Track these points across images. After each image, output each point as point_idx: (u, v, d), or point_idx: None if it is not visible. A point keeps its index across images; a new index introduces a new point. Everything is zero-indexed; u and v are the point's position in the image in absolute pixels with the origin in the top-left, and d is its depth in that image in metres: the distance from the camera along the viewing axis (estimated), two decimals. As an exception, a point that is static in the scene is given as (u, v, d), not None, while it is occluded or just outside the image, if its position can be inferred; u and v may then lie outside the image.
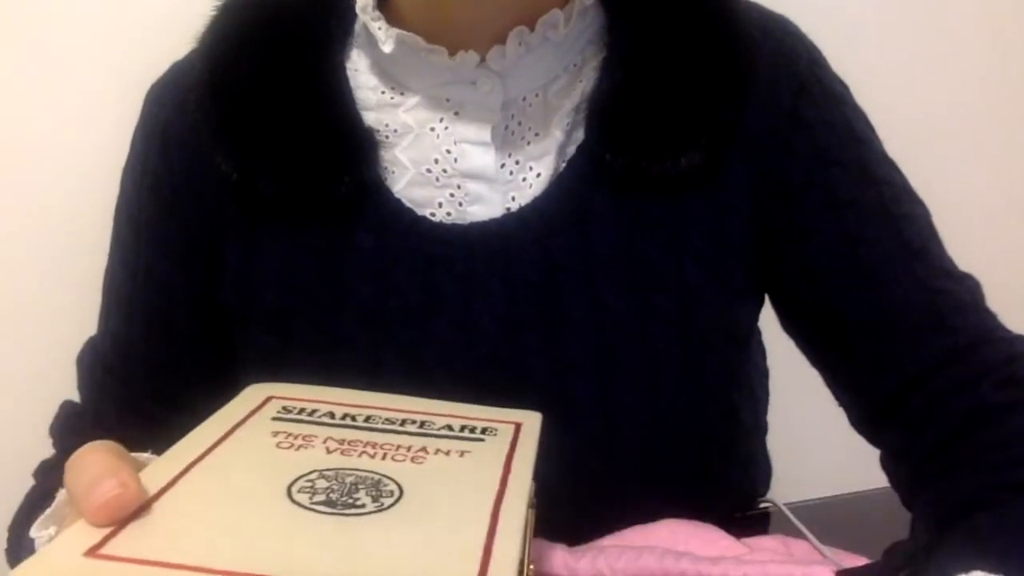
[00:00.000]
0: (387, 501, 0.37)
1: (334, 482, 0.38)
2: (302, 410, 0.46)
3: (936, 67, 0.93)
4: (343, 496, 0.37)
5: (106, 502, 0.34)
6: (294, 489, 0.38)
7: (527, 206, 0.58)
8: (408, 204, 0.59)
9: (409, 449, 0.43)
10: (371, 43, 0.60)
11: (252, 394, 0.48)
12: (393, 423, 0.46)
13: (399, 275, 0.58)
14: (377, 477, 0.39)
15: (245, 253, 0.61)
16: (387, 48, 0.57)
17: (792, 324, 0.63)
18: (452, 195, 0.59)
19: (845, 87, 0.62)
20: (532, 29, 0.57)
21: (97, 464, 0.36)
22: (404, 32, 0.56)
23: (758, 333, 0.67)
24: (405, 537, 0.35)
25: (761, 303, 0.64)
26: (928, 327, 0.56)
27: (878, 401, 0.58)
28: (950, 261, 0.59)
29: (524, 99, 0.59)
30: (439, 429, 0.46)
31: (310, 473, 0.39)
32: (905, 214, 0.58)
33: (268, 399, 0.48)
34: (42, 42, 0.91)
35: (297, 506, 0.36)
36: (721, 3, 0.59)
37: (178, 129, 0.61)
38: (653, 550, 0.50)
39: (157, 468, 0.39)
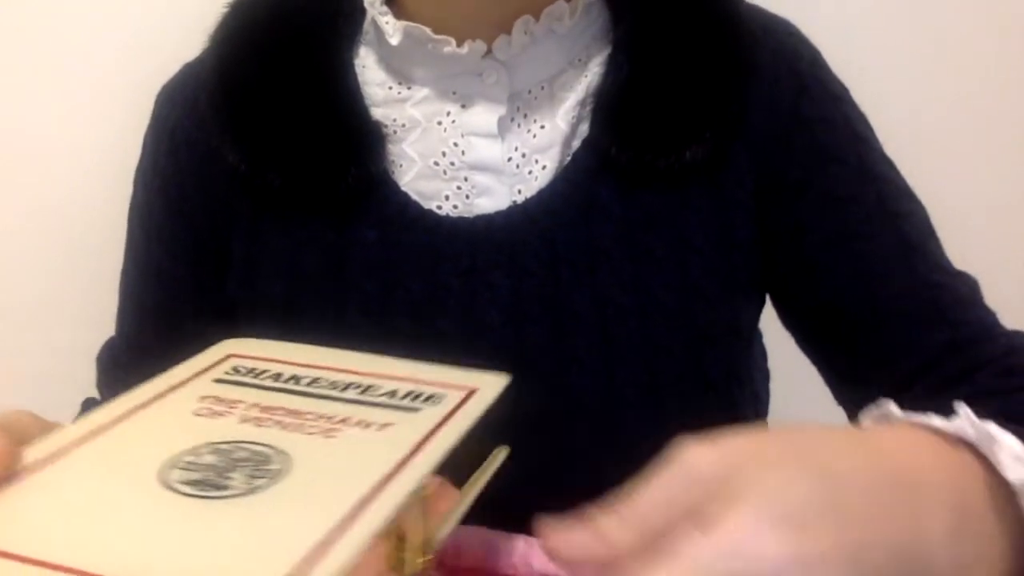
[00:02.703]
0: (259, 483, 0.36)
1: (221, 458, 0.37)
2: (251, 371, 0.46)
3: (935, 67, 0.94)
4: (217, 476, 0.36)
5: None
6: (174, 465, 0.37)
7: (532, 199, 0.59)
8: (415, 197, 0.59)
9: (330, 420, 0.41)
10: (379, 39, 0.61)
11: (218, 350, 0.48)
12: (335, 387, 0.44)
13: (404, 268, 0.59)
14: (269, 453, 0.38)
15: (252, 246, 0.62)
16: (394, 40, 0.58)
17: (792, 320, 0.63)
18: (459, 188, 0.59)
19: (845, 88, 0.63)
20: (537, 20, 0.57)
21: None
22: (410, 24, 0.57)
23: (760, 335, 0.67)
24: (248, 525, 0.33)
25: (763, 300, 0.64)
26: (927, 321, 0.56)
27: (877, 396, 0.58)
28: (947, 259, 0.60)
29: (530, 92, 0.60)
30: (380, 396, 0.43)
31: (203, 446, 0.38)
32: (903, 212, 0.59)
33: (227, 357, 0.47)
34: (54, 43, 0.92)
35: (162, 487, 0.35)
36: (724, 1, 0.60)
37: (187, 129, 0.62)
38: None
39: (65, 432, 0.38)
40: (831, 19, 0.80)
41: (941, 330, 0.56)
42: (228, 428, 0.40)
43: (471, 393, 0.43)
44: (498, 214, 0.59)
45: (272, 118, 0.59)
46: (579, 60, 0.60)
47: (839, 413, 0.62)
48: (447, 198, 0.60)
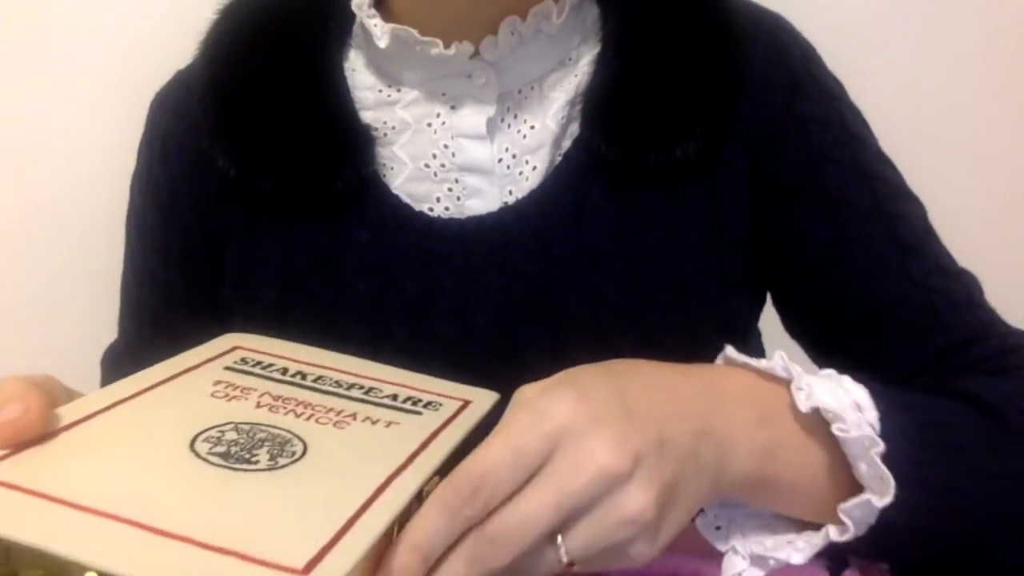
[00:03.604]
0: (283, 460, 0.38)
1: (243, 436, 0.39)
2: (258, 363, 0.47)
3: (934, 63, 0.93)
4: (243, 451, 0.38)
5: (4, 423, 0.35)
6: (201, 438, 0.38)
7: (524, 199, 0.59)
8: (406, 199, 0.59)
9: (339, 413, 0.43)
10: (368, 42, 0.61)
11: (224, 341, 0.49)
12: (340, 385, 0.46)
13: (397, 270, 0.59)
14: (288, 436, 0.40)
15: (244, 250, 0.62)
16: (382, 43, 0.58)
17: (791, 322, 0.63)
18: (450, 189, 0.59)
19: (840, 84, 0.62)
20: (524, 20, 0.57)
21: (6, 390, 0.37)
22: (398, 26, 0.57)
23: (758, 336, 0.67)
24: (274, 500, 0.35)
25: (761, 299, 0.64)
26: (922, 326, 0.56)
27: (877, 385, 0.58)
28: (947, 257, 0.59)
29: (519, 92, 0.60)
30: (382, 397, 0.46)
31: (226, 424, 0.40)
32: (899, 212, 0.58)
33: (234, 348, 0.49)
34: (54, 43, 0.92)
35: (193, 455, 0.37)
36: None
37: (178, 136, 0.63)
38: None
39: (88, 400, 0.40)
40: (828, 13, 0.80)
41: (936, 335, 0.56)
42: (245, 411, 0.42)
43: (466, 404, 0.46)
44: (489, 215, 0.59)
45: (262, 122, 0.59)
46: (568, 59, 0.60)
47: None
48: (438, 200, 0.59)
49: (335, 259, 0.59)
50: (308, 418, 0.42)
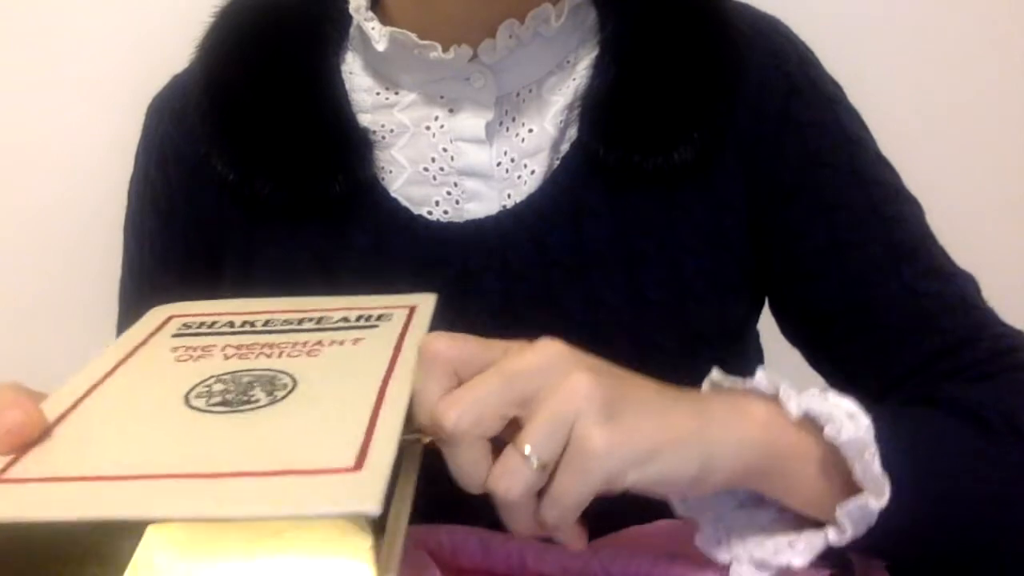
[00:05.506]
0: (280, 394, 0.39)
1: (230, 384, 0.40)
2: (202, 323, 0.48)
3: (933, 64, 0.93)
4: (239, 395, 0.39)
5: (9, 429, 0.36)
6: (192, 395, 0.39)
7: (522, 203, 0.59)
8: (405, 203, 0.59)
9: (305, 344, 0.44)
10: (365, 45, 0.61)
11: (154, 316, 0.50)
12: (291, 323, 0.47)
13: (396, 273, 0.59)
14: (272, 374, 0.41)
15: (244, 255, 0.62)
16: (380, 46, 0.58)
17: (786, 325, 0.63)
18: (449, 193, 0.59)
19: (837, 86, 0.62)
20: (522, 23, 0.57)
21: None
22: (396, 29, 0.57)
23: (756, 337, 0.67)
24: (295, 423, 0.36)
25: (758, 301, 0.64)
26: (915, 330, 0.56)
27: (869, 395, 0.58)
28: (944, 258, 0.59)
29: (518, 95, 0.60)
30: (336, 322, 0.47)
31: (208, 379, 0.41)
32: (896, 215, 0.58)
33: (169, 318, 0.49)
34: (54, 44, 0.92)
35: (195, 410, 0.38)
36: (711, 1, 0.60)
37: (175, 141, 0.63)
38: (647, 553, 0.50)
39: (60, 395, 0.40)
40: (826, 16, 0.80)
41: (930, 339, 0.56)
42: (218, 364, 0.43)
43: (413, 309, 0.49)
44: (488, 218, 0.59)
45: (260, 125, 0.59)
46: (567, 63, 0.60)
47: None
48: (437, 203, 0.59)
49: (334, 262, 0.59)
50: (280, 355, 0.43)
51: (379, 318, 0.47)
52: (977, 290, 0.58)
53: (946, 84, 0.93)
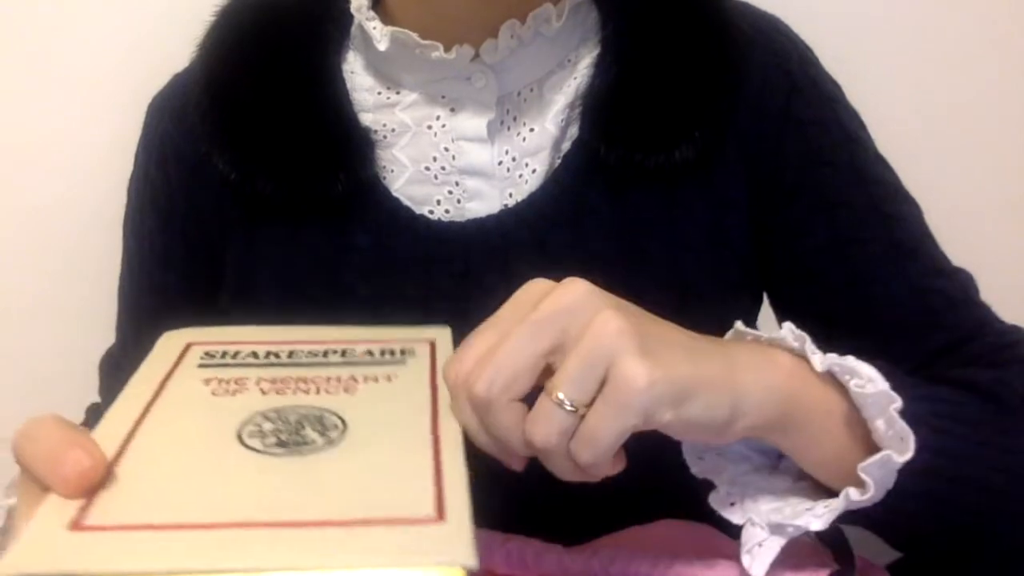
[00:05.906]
0: (334, 434, 0.39)
1: (279, 423, 0.39)
2: (225, 353, 0.47)
3: (933, 64, 0.93)
4: (292, 435, 0.38)
5: (80, 472, 0.34)
6: (244, 435, 0.38)
7: (523, 202, 0.59)
8: (406, 202, 0.59)
9: (340, 380, 0.44)
10: (367, 44, 0.61)
11: (169, 343, 0.49)
12: (316, 355, 0.47)
13: (398, 272, 0.59)
14: (319, 412, 0.40)
15: (245, 255, 0.62)
16: (382, 46, 0.58)
17: (788, 321, 0.63)
18: (451, 192, 0.59)
19: (837, 86, 0.62)
20: (523, 23, 0.57)
21: (53, 435, 0.36)
22: (398, 29, 0.57)
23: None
24: (359, 468, 0.36)
25: (759, 299, 0.64)
26: (920, 326, 0.56)
27: None
28: (942, 257, 0.59)
29: (519, 94, 0.60)
30: (361, 355, 0.47)
31: (253, 416, 0.40)
32: (896, 214, 0.59)
33: (188, 346, 0.48)
34: (54, 44, 0.92)
35: (252, 451, 0.37)
36: (711, 0, 0.60)
37: (175, 141, 0.62)
38: (646, 554, 0.50)
39: (104, 433, 0.39)
40: (826, 16, 0.80)
41: (933, 334, 0.56)
42: (257, 400, 0.42)
43: (433, 343, 0.48)
44: (490, 217, 0.59)
45: (261, 125, 0.59)
46: (568, 62, 0.60)
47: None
48: (439, 202, 0.60)
49: (335, 262, 0.59)
50: (318, 391, 0.43)
51: (403, 352, 0.47)
52: (976, 288, 0.59)
53: (946, 84, 0.93)
